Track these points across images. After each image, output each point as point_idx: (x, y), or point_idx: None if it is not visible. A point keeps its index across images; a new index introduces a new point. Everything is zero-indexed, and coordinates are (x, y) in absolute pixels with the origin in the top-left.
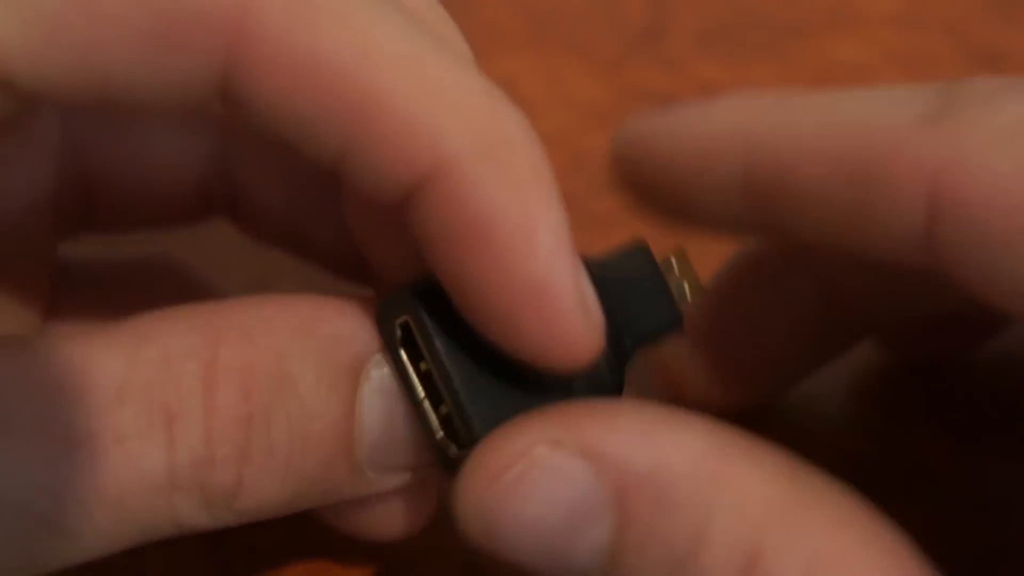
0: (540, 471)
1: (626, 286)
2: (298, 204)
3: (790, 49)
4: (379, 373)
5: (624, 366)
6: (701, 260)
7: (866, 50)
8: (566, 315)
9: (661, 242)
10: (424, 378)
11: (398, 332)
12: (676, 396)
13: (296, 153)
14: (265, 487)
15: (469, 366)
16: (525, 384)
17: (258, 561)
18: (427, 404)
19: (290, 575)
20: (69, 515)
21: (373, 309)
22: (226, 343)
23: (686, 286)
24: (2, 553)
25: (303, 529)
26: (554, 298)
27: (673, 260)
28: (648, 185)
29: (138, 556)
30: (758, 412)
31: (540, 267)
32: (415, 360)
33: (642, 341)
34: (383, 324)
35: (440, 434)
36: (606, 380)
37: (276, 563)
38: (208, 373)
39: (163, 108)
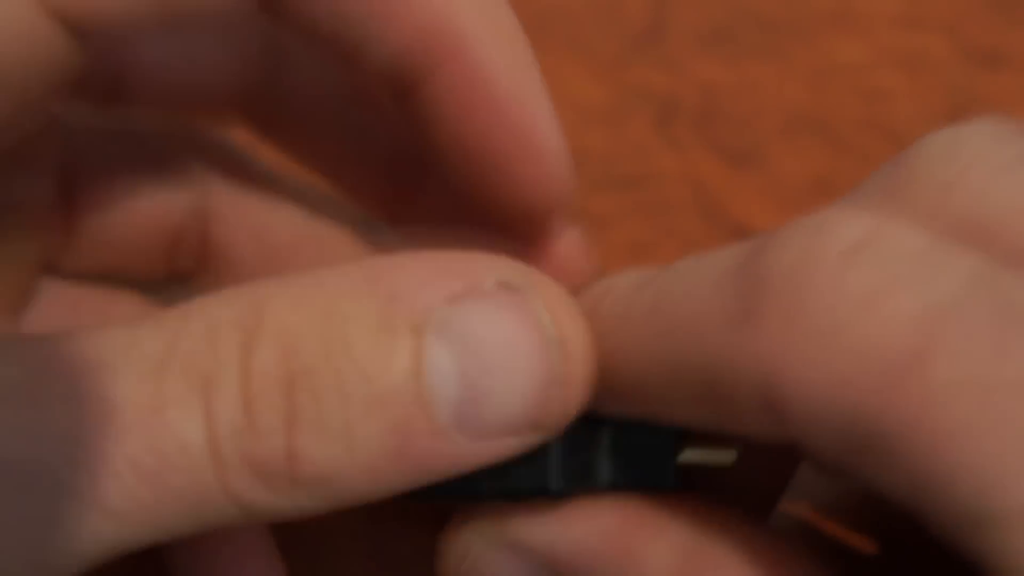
0: (485, 566)
1: (636, 439)
2: (340, 123)
3: (790, 49)
4: (446, 325)
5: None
6: None
7: (866, 50)
8: (558, 167)
9: (654, 239)
10: None
11: None
12: None
13: (333, 49)
14: (326, 458)
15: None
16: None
17: None
18: None
19: (290, 574)
20: (105, 489)
21: (434, 258)
22: (271, 308)
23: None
24: (39, 530)
25: (304, 529)
26: (551, 155)
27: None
28: None
29: (139, 552)
30: None
31: (542, 131)
32: None
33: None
34: None
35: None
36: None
37: None
38: (248, 337)
39: (217, 8)
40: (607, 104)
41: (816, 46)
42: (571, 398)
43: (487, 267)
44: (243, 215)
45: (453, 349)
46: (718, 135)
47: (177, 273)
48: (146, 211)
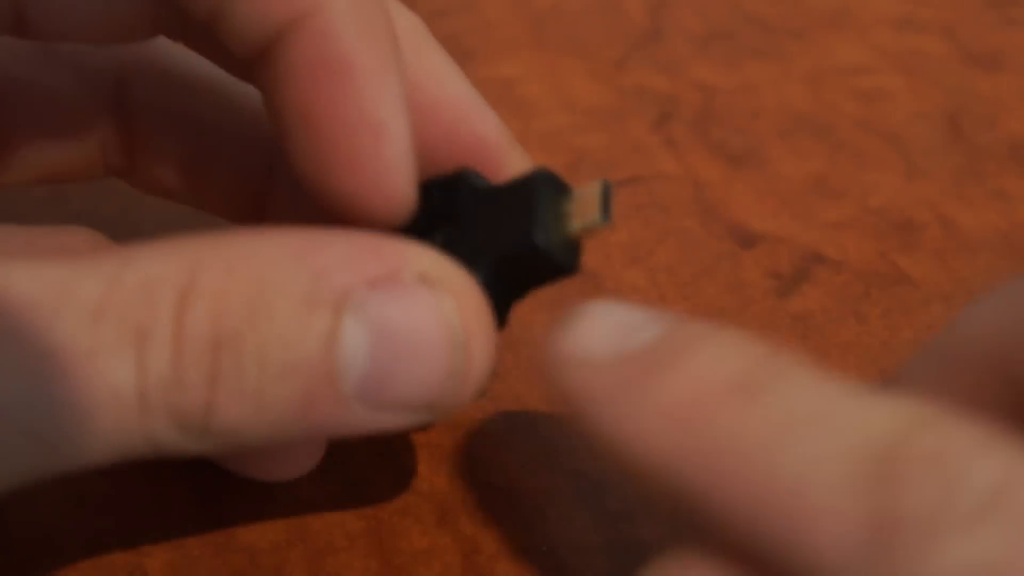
0: None
1: (507, 206)
2: (195, 156)
3: (789, 51)
4: (363, 309)
5: (496, 287)
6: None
7: (865, 52)
8: (397, 158)
9: (654, 239)
10: None
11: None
12: None
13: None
14: (238, 413)
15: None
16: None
17: (260, 559)
18: None
19: (291, 574)
20: (43, 424)
21: (363, 241)
22: (205, 269)
23: (576, 220)
24: None
25: (304, 529)
26: (391, 140)
27: (576, 191)
28: None
29: (139, 551)
30: None
31: (386, 110)
32: None
33: (500, 261)
34: None
35: None
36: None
37: (277, 561)
38: (181, 297)
39: None
40: (606, 105)
41: (814, 48)
42: (466, 391)
43: (410, 256)
44: (166, 103)
45: (366, 330)
46: (717, 136)
47: (114, 169)
48: (66, 109)
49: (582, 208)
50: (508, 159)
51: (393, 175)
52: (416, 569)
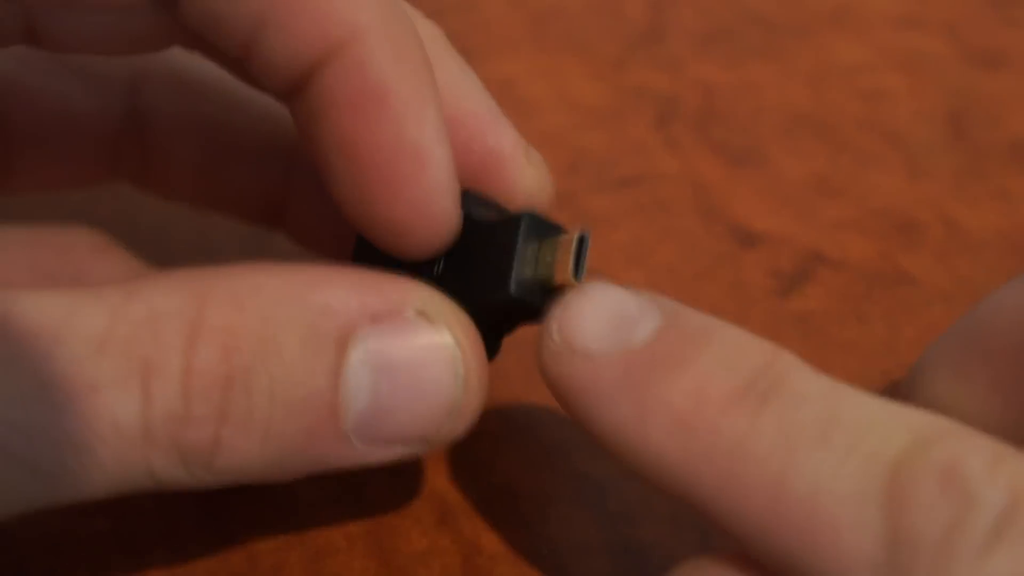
0: None
1: (492, 247)
2: (211, 161)
3: (790, 50)
4: (367, 344)
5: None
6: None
7: (866, 51)
8: (440, 184)
9: (654, 239)
10: None
11: None
12: None
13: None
14: (244, 449)
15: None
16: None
17: (259, 559)
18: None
19: (290, 574)
20: (42, 456)
21: (364, 277)
22: (212, 305)
23: (550, 269)
24: None
25: (305, 529)
26: (433, 166)
27: (559, 240)
28: None
29: (139, 552)
30: None
31: (426, 136)
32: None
33: (472, 304)
34: None
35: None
36: None
37: (277, 562)
38: (190, 332)
39: None
40: (606, 104)
41: (816, 46)
42: (463, 423)
43: (410, 292)
44: (180, 109)
45: (370, 366)
46: (718, 135)
47: (126, 175)
48: (79, 116)
49: (562, 257)
50: (523, 172)
51: (436, 201)
52: (416, 569)
